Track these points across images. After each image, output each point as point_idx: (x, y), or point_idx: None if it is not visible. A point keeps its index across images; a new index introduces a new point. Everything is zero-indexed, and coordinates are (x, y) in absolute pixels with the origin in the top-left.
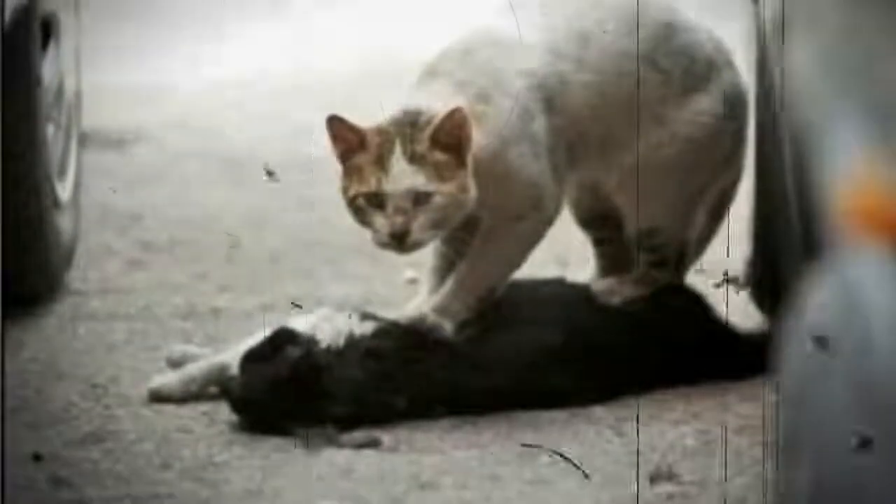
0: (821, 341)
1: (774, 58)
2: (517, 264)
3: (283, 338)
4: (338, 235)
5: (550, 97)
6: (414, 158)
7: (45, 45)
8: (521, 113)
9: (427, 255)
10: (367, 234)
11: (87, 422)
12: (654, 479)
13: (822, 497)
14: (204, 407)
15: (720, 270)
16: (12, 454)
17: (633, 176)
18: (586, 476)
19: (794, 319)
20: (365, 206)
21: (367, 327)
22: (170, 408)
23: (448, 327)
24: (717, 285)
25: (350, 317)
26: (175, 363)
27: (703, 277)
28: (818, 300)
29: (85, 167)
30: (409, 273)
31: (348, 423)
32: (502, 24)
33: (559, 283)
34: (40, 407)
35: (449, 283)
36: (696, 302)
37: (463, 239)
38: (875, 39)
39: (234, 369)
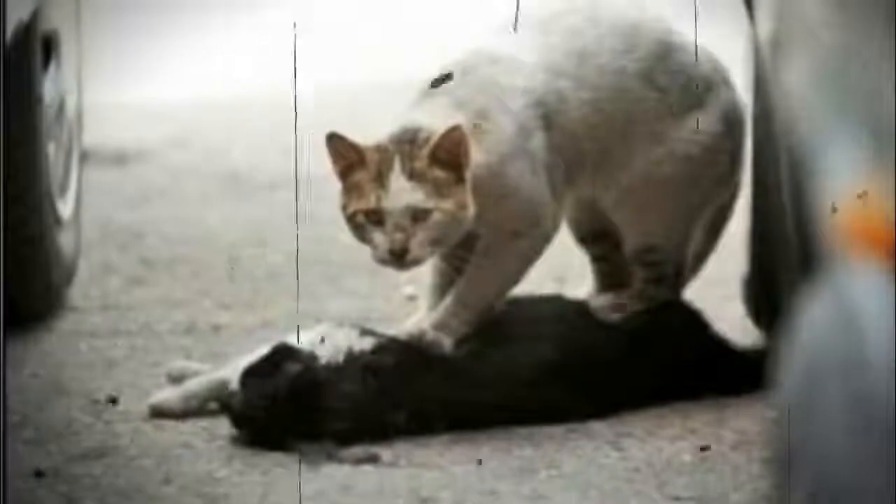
0: (816, 358)
1: (771, 76)
2: (515, 281)
3: (283, 354)
4: (337, 252)
5: (549, 115)
6: (413, 175)
7: (46, 63)
8: (520, 130)
9: (426, 272)
10: (366, 250)
11: (88, 437)
12: None
13: None
14: (204, 422)
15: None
16: (14, 470)
17: (631, 193)
18: None
19: (790, 335)
20: (364, 222)
21: (367, 343)
22: (170, 423)
23: (447, 343)
24: None
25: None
26: (175, 379)
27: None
28: (814, 316)
29: (86, 184)
30: (409, 289)
31: (347, 438)
32: (501, 43)
33: (557, 300)
34: (42, 423)
35: (448, 300)
36: (695, 318)
37: (462, 256)
38: (871, 58)
39: (234, 385)
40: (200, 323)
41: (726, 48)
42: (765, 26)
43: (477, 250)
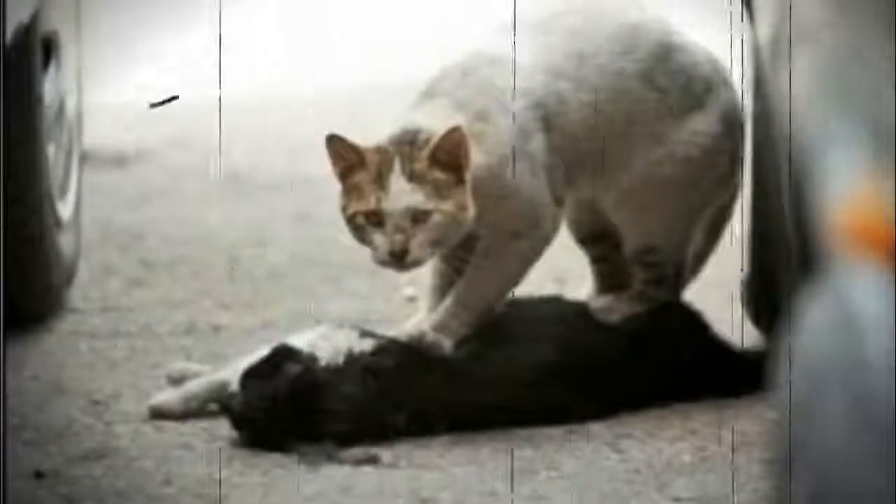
0: (817, 359)
1: (771, 77)
2: (515, 282)
3: (283, 355)
4: (337, 253)
5: (548, 116)
6: (413, 177)
7: (46, 63)
8: (519, 132)
9: (426, 273)
10: (366, 251)
11: (88, 438)
12: None
13: None
14: (204, 423)
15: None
16: (14, 471)
17: (631, 194)
18: None
19: (790, 336)
20: (364, 224)
21: (367, 344)
22: (170, 424)
23: (447, 344)
24: None
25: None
26: (175, 380)
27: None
28: (815, 318)
29: (86, 186)
30: (409, 291)
31: (347, 439)
32: (501, 44)
33: (557, 301)
34: (42, 424)
35: (448, 301)
36: (695, 319)
37: (461, 257)
38: (871, 59)
39: (234, 386)
40: (200, 324)
41: (726, 49)
42: (765, 27)
43: (477, 251)
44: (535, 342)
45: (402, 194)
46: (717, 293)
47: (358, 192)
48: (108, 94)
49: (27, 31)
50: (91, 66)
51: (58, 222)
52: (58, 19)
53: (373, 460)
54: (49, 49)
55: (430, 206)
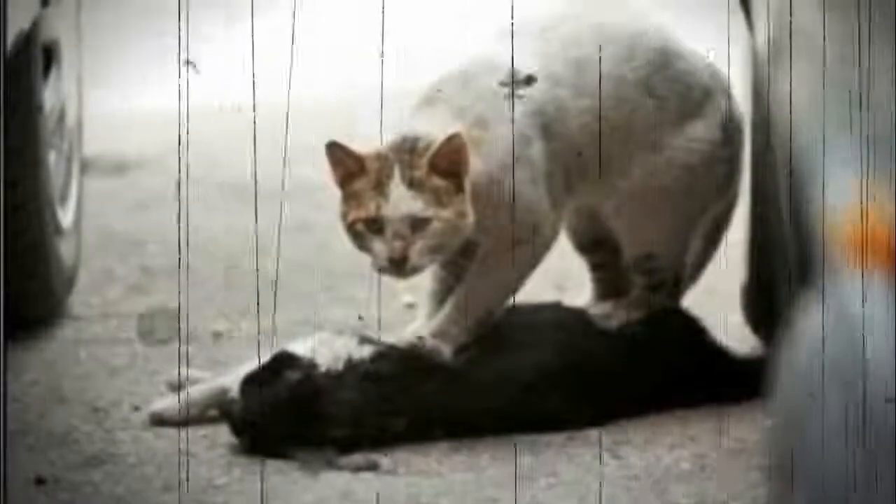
0: (816, 365)
1: (769, 85)
2: (515, 288)
3: (283, 361)
4: (337, 260)
5: (548, 123)
6: (412, 184)
7: (46, 71)
8: (519, 138)
9: (425, 280)
10: (365, 258)
11: (88, 445)
12: None
13: None
14: (204, 430)
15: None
16: (15, 477)
17: (630, 201)
18: None
19: (789, 344)
20: (364, 231)
21: (366, 351)
22: (170, 431)
23: (446, 351)
24: None
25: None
26: (175, 387)
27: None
28: (813, 325)
29: (86, 193)
30: (408, 298)
31: (347, 445)
32: (501, 51)
33: (556, 307)
34: (42, 430)
35: (447, 308)
36: (693, 326)
37: (461, 263)
38: (869, 68)
39: (235, 392)
40: (200, 331)
41: (724, 56)
42: (763, 35)
43: (476, 258)
44: (535, 348)
45: (401, 201)
46: (716, 299)
47: (357, 199)
48: (109, 102)
49: (28, 38)
50: (91, 73)
51: (58, 229)
52: (58, 27)
53: (372, 466)
54: (49, 57)
55: (429, 213)
